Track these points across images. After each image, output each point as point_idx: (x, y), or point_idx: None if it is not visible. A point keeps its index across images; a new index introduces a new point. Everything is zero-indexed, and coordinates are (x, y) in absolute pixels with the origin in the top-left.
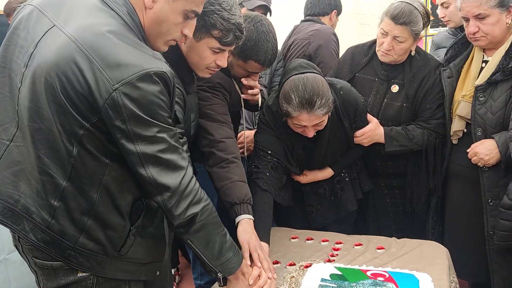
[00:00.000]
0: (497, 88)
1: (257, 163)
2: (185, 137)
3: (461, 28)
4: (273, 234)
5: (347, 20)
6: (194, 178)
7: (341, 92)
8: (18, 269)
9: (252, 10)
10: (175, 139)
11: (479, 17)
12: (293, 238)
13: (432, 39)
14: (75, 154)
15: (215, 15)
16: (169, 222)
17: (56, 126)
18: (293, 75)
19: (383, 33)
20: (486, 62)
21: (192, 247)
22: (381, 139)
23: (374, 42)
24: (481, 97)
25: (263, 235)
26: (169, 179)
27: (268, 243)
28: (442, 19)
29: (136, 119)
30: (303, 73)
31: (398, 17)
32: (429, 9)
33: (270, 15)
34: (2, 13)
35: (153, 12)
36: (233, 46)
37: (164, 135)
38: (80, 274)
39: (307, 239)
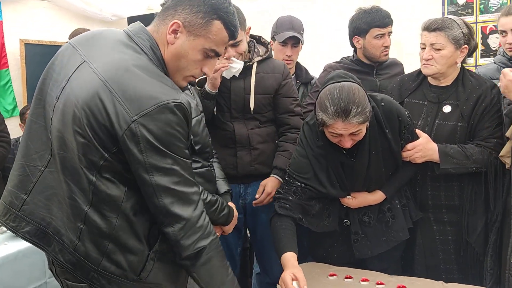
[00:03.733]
0: None
1: (282, 187)
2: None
3: None
4: (309, 270)
5: (390, 50)
6: (205, 213)
7: (382, 104)
8: None
9: (283, 42)
10: (189, 172)
11: None
12: (331, 275)
13: (478, 70)
14: (95, 182)
15: None
16: (177, 254)
17: (78, 156)
18: (329, 84)
19: (422, 48)
20: None
21: (196, 281)
22: (435, 156)
23: None
24: None
25: (287, 246)
26: (181, 210)
27: (295, 251)
28: (508, 45)
29: (152, 150)
30: (340, 81)
31: (430, 26)
32: (479, 39)
33: (302, 44)
34: (48, 43)
35: (174, 47)
36: None
37: (177, 167)
38: None
39: (346, 277)
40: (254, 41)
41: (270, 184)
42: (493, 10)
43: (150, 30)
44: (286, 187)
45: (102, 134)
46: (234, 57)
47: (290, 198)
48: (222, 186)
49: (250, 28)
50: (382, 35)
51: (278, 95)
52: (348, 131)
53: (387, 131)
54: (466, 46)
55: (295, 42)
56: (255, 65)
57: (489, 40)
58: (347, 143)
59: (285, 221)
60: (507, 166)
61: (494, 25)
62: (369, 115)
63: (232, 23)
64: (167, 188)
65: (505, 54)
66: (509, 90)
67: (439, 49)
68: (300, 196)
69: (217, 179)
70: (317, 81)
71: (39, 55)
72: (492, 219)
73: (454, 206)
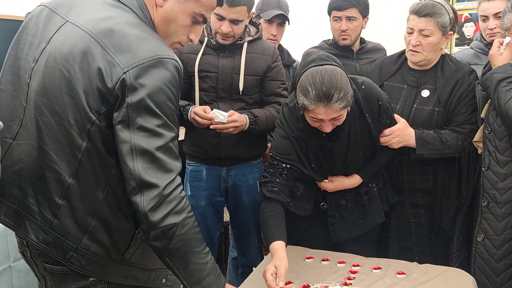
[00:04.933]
0: None
1: (267, 171)
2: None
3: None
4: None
5: (363, 35)
6: (182, 186)
7: (363, 87)
8: (23, 278)
9: (269, 20)
10: (173, 142)
11: None
12: (307, 258)
13: (455, 55)
14: (84, 149)
15: None
16: (145, 232)
17: (67, 120)
18: (311, 67)
19: (409, 32)
20: None
21: (170, 267)
22: (411, 141)
23: (402, 53)
24: None
25: (275, 235)
26: (155, 178)
27: (284, 240)
28: (490, 30)
29: (141, 106)
30: (322, 65)
31: (421, 10)
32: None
33: (289, 24)
34: (13, 18)
35: (163, 10)
36: None
37: (163, 131)
38: (92, 279)
39: (323, 260)
40: None
41: (238, 114)
42: None
43: None
44: (272, 170)
45: (92, 92)
46: (229, 33)
47: (278, 180)
48: None
49: (253, 13)
50: (339, 18)
51: (267, 77)
52: (329, 116)
53: (367, 115)
54: (451, 32)
55: (282, 21)
56: (245, 45)
57: (464, 29)
58: (328, 128)
59: (274, 206)
60: (479, 151)
61: (469, 14)
62: (351, 100)
63: None
64: (147, 150)
65: (482, 39)
66: (491, 61)
67: (427, 36)
68: (286, 177)
69: None
70: (299, 69)
71: (1, 30)
72: (461, 202)
73: (429, 190)
